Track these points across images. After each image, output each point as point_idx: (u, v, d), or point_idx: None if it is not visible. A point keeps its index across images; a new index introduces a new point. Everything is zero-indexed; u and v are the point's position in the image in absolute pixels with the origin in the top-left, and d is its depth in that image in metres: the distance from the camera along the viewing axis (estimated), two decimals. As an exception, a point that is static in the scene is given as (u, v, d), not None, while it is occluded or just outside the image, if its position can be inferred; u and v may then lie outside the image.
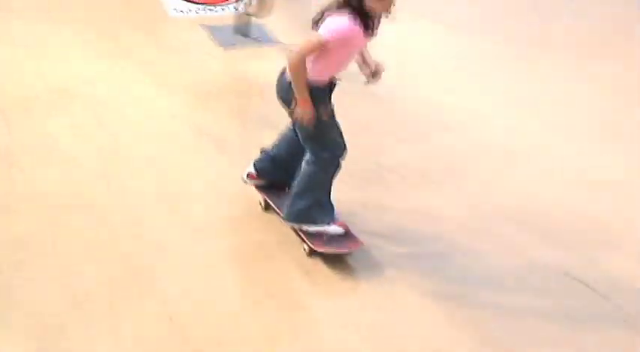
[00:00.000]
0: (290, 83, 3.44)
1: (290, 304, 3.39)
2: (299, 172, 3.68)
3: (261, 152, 3.96)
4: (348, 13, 3.29)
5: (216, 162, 4.42)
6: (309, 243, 3.65)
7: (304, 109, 3.41)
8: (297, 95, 3.39)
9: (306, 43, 3.31)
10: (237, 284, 3.50)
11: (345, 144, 3.61)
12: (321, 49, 3.32)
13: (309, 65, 3.37)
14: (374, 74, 3.61)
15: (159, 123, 4.85)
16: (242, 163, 4.13)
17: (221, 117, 4.97)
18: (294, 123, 3.64)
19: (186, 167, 4.38)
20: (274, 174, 3.92)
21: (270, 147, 3.92)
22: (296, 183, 3.68)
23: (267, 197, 3.95)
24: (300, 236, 3.71)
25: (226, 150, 4.55)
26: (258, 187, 3.99)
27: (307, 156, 3.64)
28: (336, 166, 3.63)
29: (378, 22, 3.41)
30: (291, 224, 3.71)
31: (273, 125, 4.16)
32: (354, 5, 3.29)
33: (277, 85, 3.58)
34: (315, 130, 3.49)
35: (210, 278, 3.48)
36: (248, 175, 3.97)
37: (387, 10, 3.31)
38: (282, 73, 3.54)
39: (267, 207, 3.98)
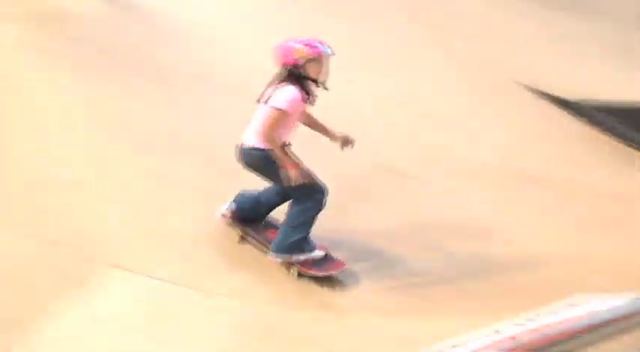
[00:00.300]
0: (249, 149, 3.90)
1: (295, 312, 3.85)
2: (289, 210, 4.02)
3: (238, 195, 4.29)
4: (293, 84, 3.83)
5: (59, 72, 5.74)
6: (299, 267, 4.05)
7: (292, 170, 3.86)
8: (281, 162, 3.86)
9: (269, 119, 3.81)
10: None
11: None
12: (282, 118, 3.80)
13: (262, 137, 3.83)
14: (345, 143, 4.17)
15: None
16: (76, 74, 5.67)
17: (50, 39, 6.24)
18: (276, 184, 4.04)
19: (39, 80, 5.64)
20: (250, 213, 4.29)
21: (257, 192, 4.26)
22: (290, 219, 4.04)
23: (249, 230, 4.28)
24: (287, 262, 4.07)
25: (65, 62, 5.87)
26: (235, 221, 4.30)
27: (298, 198, 3.99)
28: (323, 204, 4.02)
29: (314, 90, 3.91)
30: (282, 256, 4.04)
31: (85, 41, 6.15)
32: (297, 76, 3.83)
33: (238, 155, 3.99)
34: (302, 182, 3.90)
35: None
36: (226, 212, 4.27)
37: (323, 77, 3.86)
38: (238, 146, 3.98)
39: (242, 239, 4.32)
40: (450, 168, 5.52)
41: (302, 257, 4.07)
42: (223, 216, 4.30)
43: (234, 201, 4.33)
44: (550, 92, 6.56)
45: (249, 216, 4.33)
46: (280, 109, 3.80)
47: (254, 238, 4.31)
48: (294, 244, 4.04)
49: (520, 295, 4.01)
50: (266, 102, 3.86)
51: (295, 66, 3.82)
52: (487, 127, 6.18)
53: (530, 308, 3.53)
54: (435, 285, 4.21)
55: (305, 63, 3.82)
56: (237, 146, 4.03)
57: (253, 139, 3.94)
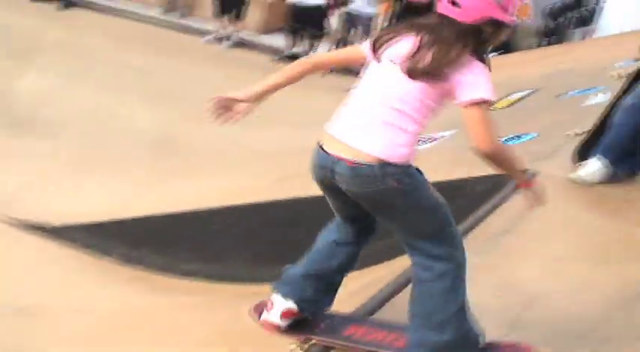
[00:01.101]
0: (373, 166, 2.36)
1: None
2: (417, 288, 2.55)
3: (287, 273, 2.73)
4: (476, 58, 2.41)
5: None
6: None
7: (530, 187, 2.50)
8: (517, 178, 2.51)
9: (481, 119, 2.34)
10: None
11: None
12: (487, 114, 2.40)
13: (405, 137, 2.39)
14: None
15: None
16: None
17: None
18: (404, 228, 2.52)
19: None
20: (319, 301, 2.72)
21: (304, 264, 2.70)
22: (422, 313, 2.52)
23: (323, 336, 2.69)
24: None
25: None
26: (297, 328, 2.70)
27: (424, 263, 2.51)
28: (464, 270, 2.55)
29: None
30: None
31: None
32: (477, 40, 2.40)
33: (354, 178, 2.41)
34: (437, 220, 2.50)
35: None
36: (283, 314, 2.66)
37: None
38: (336, 158, 2.43)
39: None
40: None
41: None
42: (276, 328, 2.68)
43: (284, 288, 2.71)
44: (21, 217, 5.10)
45: (320, 305, 2.74)
46: (489, 101, 2.37)
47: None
48: (459, 342, 2.50)
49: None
50: (408, 68, 2.37)
51: (490, 23, 2.40)
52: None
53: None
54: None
55: (503, 24, 2.42)
56: (333, 157, 2.45)
57: (380, 147, 2.40)
